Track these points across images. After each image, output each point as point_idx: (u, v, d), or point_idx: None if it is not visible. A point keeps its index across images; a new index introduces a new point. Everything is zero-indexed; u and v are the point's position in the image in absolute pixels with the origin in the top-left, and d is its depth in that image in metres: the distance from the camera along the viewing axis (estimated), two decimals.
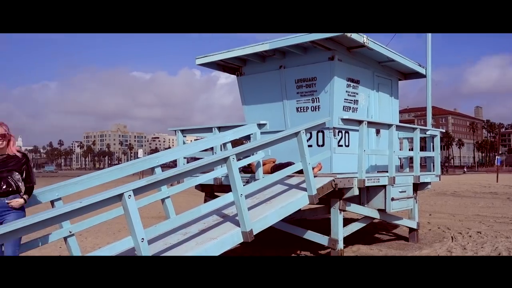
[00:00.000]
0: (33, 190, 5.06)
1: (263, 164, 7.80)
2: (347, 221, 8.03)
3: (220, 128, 7.85)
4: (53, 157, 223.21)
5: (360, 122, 7.40)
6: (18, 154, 4.97)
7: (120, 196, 4.46)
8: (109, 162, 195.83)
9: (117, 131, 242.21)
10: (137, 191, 4.59)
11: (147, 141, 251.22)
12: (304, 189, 6.70)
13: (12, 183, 4.84)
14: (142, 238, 4.60)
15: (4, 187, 4.78)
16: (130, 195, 4.47)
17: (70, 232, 5.51)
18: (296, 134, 6.47)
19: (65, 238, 5.53)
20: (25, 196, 4.88)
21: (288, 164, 7.38)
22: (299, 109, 8.75)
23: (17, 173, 4.89)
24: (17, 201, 4.80)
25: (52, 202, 5.38)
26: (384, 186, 7.99)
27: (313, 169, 6.87)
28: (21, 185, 4.92)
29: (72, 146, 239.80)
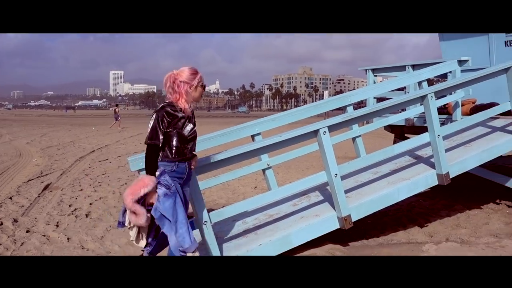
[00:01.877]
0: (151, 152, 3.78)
1: (462, 105, 7.17)
2: None
3: (415, 67, 7.38)
4: (245, 99, 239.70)
5: None
6: None
7: (315, 132, 4.59)
8: (295, 104, 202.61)
9: (303, 73, 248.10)
10: (332, 128, 4.67)
11: (332, 83, 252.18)
12: None
13: None
14: (336, 174, 4.70)
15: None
16: (325, 131, 4.57)
17: (268, 165, 5.92)
18: (507, 69, 5.74)
19: (263, 171, 5.97)
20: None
21: (491, 105, 6.64)
22: (508, 43, 7.70)
23: None
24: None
25: (252, 136, 5.78)
26: None
27: None
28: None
29: (262, 89, 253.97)
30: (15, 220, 6.59)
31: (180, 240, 3.66)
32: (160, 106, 3.80)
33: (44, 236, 5.91)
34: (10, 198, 8.07)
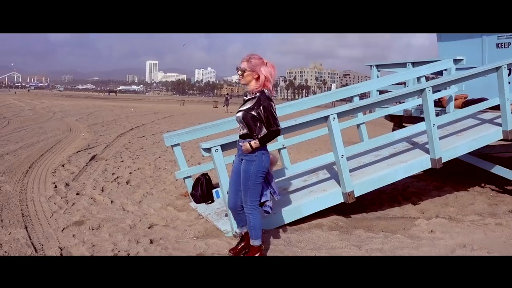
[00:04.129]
0: (276, 136, 3.82)
1: (455, 100, 7.05)
2: None
3: (414, 64, 7.27)
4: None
5: None
6: (257, 94, 3.69)
7: (326, 118, 4.58)
8: (306, 94, 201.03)
9: (314, 68, 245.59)
10: (340, 115, 4.65)
11: (339, 77, 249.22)
12: (498, 125, 5.90)
13: (245, 126, 3.71)
14: (342, 155, 4.70)
15: (241, 130, 3.75)
16: (334, 117, 4.56)
17: (283, 145, 5.94)
18: (497, 68, 5.62)
19: (279, 150, 5.98)
20: (253, 142, 3.62)
21: (481, 100, 6.52)
22: (499, 45, 7.51)
23: (252, 115, 3.65)
24: (244, 145, 3.67)
25: None
26: None
27: (510, 105, 5.95)
28: (258, 129, 3.67)
29: (278, 80, 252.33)
30: (67, 184, 6.73)
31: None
32: (265, 96, 3.65)
33: (92, 198, 6.03)
34: (63, 165, 8.23)
